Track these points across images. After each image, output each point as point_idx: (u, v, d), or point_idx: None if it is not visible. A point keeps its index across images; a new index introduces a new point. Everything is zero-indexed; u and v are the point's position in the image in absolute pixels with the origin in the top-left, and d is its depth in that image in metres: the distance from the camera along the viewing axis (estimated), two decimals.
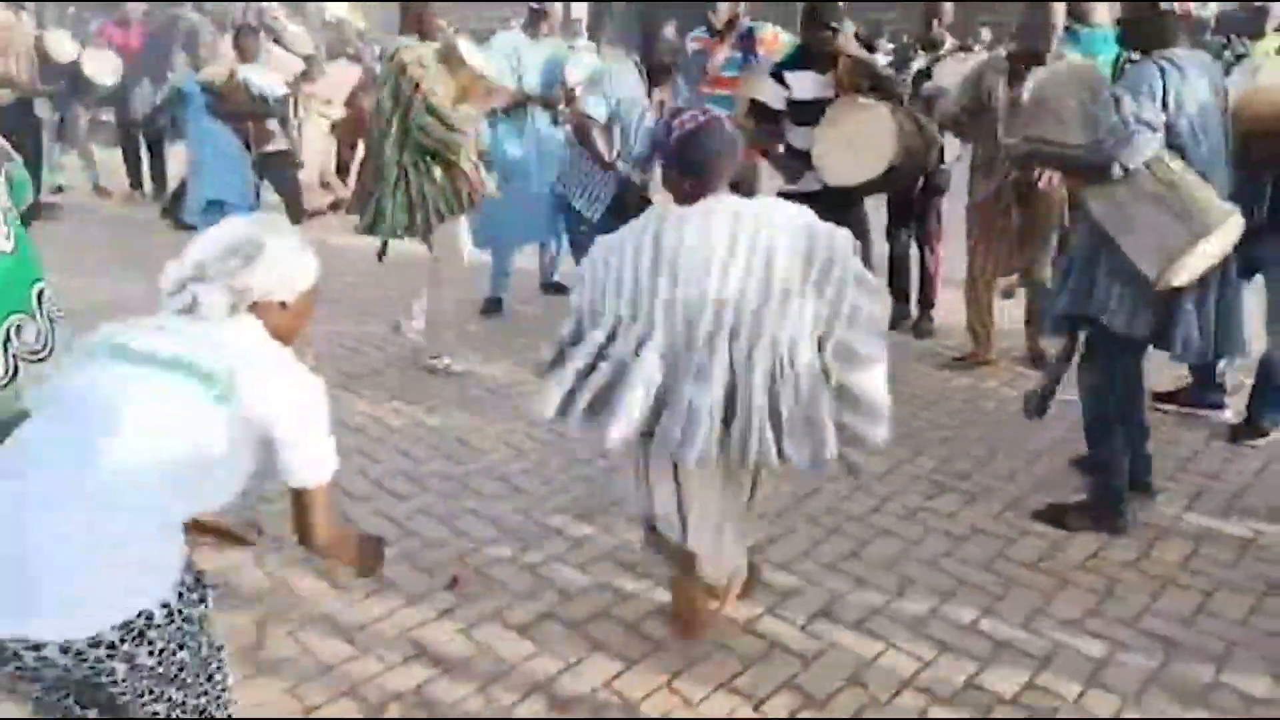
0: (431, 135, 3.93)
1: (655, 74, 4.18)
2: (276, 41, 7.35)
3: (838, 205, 3.53)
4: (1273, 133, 2.98)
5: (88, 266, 6.20)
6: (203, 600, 1.54)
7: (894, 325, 4.31)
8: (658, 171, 3.79)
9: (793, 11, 5.59)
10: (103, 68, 7.74)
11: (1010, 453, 3.55)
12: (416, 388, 4.20)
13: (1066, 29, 4.25)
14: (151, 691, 1.48)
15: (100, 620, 1.39)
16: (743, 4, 5.03)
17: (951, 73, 4.37)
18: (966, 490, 3.26)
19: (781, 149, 4.17)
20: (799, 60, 4.14)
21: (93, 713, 1.59)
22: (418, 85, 3.89)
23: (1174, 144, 2.61)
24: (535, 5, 5.25)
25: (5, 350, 1.93)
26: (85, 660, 1.39)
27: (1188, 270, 2.56)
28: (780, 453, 2.08)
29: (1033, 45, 3.92)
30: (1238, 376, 3.94)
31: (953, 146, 4.72)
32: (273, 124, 5.90)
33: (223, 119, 5.19)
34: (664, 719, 2.21)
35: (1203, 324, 2.71)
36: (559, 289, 5.50)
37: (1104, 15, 4.84)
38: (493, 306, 5.29)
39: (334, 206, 7.61)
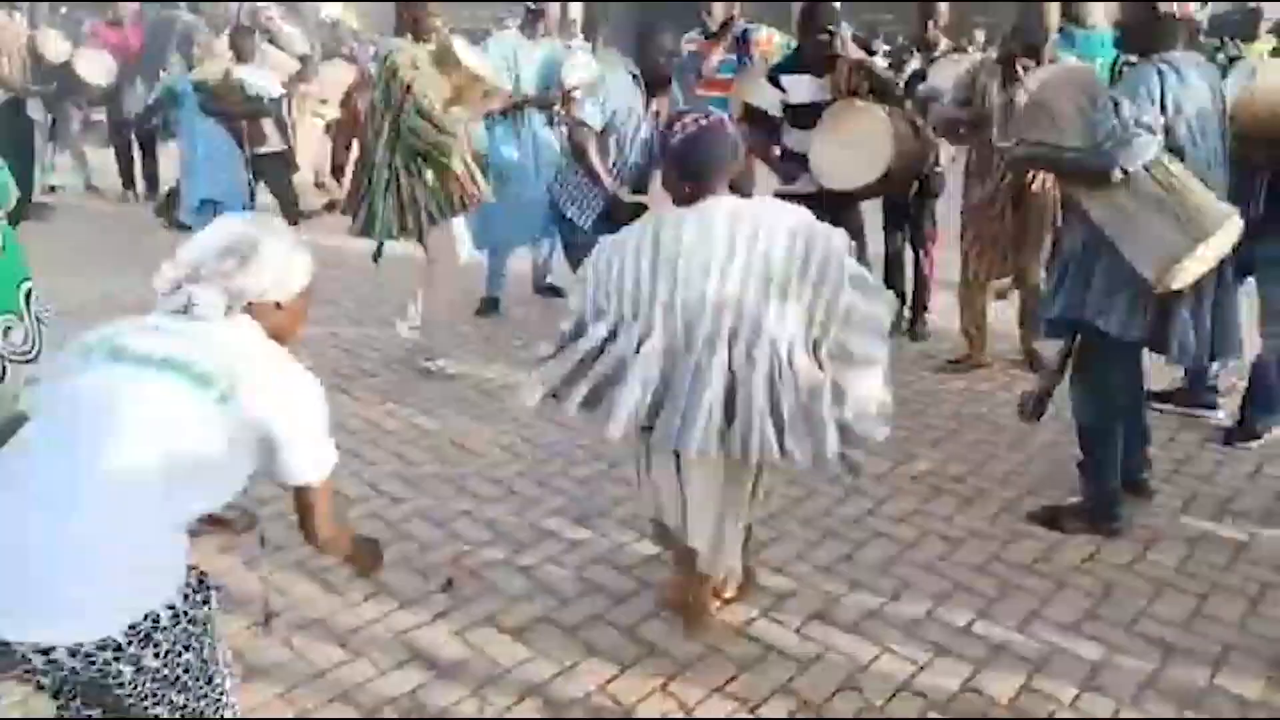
0: (422, 138, 3.91)
1: (653, 85, 4.11)
2: (271, 41, 7.33)
3: (834, 207, 3.53)
4: (1270, 136, 2.98)
5: (79, 267, 6.16)
6: (206, 602, 1.55)
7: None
8: (654, 181, 3.81)
9: (788, 13, 5.59)
10: (95, 68, 7.70)
11: (1005, 455, 3.55)
12: (411, 389, 4.19)
13: (1061, 30, 4.26)
14: (155, 695, 1.49)
15: (108, 623, 1.40)
16: (738, 5, 5.03)
17: (947, 74, 4.37)
18: (962, 493, 3.26)
19: (778, 151, 4.16)
20: (795, 63, 4.14)
21: (95, 712, 1.59)
22: (408, 87, 3.88)
23: (1173, 147, 2.61)
24: (533, 5, 5.24)
25: None
26: (94, 663, 1.40)
27: (1187, 274, 2.56)
28: (782, 448, 2.08)
29: (1027, 47, 3.92)
30: (1230, 379, 3.95)
31: (947, 149, 4.72)
32: (267, 124, 5.88)
33: (216, 118, 5.16)
34: None
35: (1198, 327, 2.71)
36: (553, 291, 5.49)
37: (1100, 17, 4.85)
38: (489, 306, 5.30)
39: (329, 207, 7.59)
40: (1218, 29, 5.50)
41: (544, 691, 2.28)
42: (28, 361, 1.96)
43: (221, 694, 1.60)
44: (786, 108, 4.12)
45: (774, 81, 4.14)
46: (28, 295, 2.03)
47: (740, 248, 2.07)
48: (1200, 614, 2.58)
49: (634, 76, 4.08)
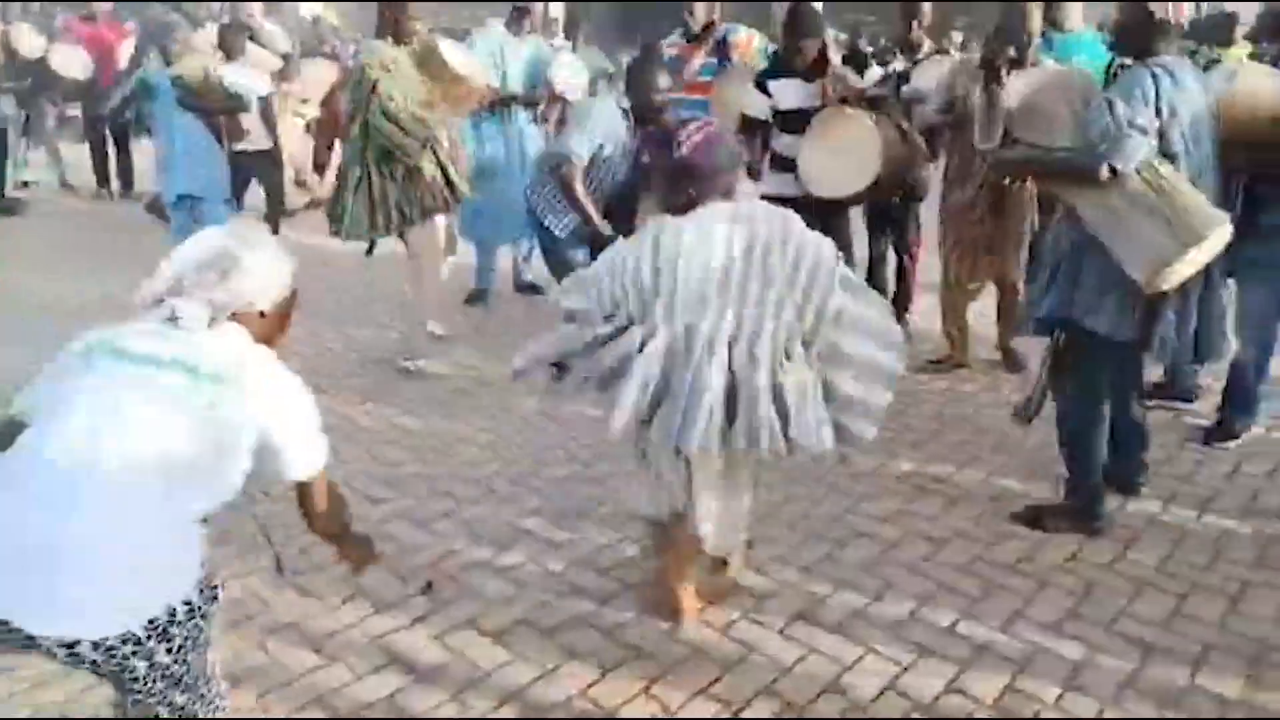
0: (388, 139, 3.90)
1: (642, 120, 3.96)
2: (253, 39, 7.26)
3: (823, 214, 3.52)
4: (1248, 139, 2.99)
5: (53, 265, 6.08)
6: (214, 598, 1.61)
7: None
8: (642, 201, 3.78)
9: (767, 14, 5.58)
10: (71, 62, 7.60)
11: (988, 456, 3.55)
12: (390, 389, 4.15)
13: (1042, 34, 4.27)
14: (161, 694, 1.54)
15: (131, 616, 1.46)
16: (719, 8, 5.02)
17: (930, 75, 4.38)
18: (945, 493, 3.26)
19: (768, 157, 4.17)
20: (781, 68, 4.13)
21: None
22: (374, 87, 3.85)
23: (1166, 150, 2.62)
24: (519, 3, 5.22)
25: None
26: (114, 656, 1.46)
27: (1176, 276, 2.57)
28: (786, 438, 2.15)
29: (1009, 50, 3.93)
30: (1207, 379, 3.98)
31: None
32: (249, 120, 5.82)
33: (194, 113, 5.09)
34: None
35: (1183, 328, 2.72)
36: (533, 289, 5.49)
37: (1078, 20, 4.88)
38: (478, 296, 5.38)
39: (311, 205, 7.52)
40: (1195, 33, 5.55)
41: (525, 695, 2.25)
42: None
43: (217, 696, 1.65)
44: (776, 113, 4.12)
45: (761, 87, 4.14)
46: None
47: (738, 252, 2.14)
48: (1180, 613, 2.58)
49: (624, 111, 4.05)
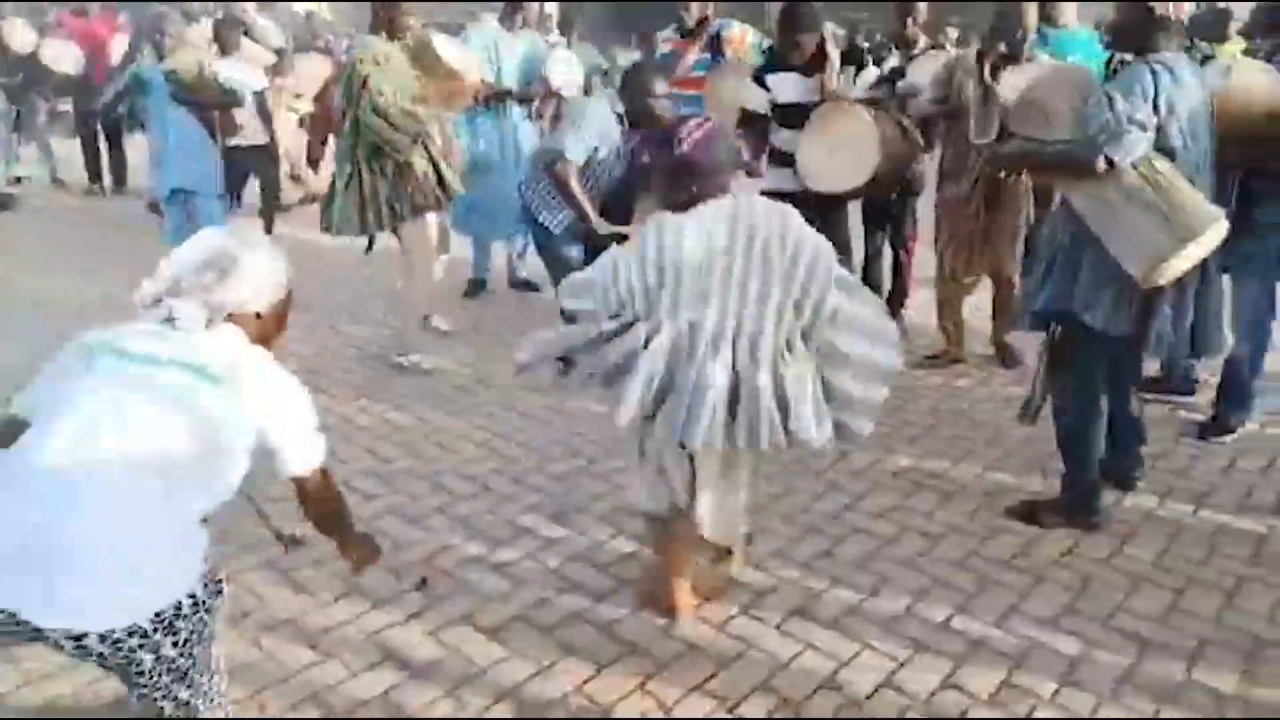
0: (377, 134, 3.88)
1: (637, 125, 3.89)
2: (246, 34, 7.23)
3: (822, 209, 3.52)
4: (1242, 135, 2.99)
5: (44, 262, 6.05)
6: (219, 593, 1.64)
7: None
8: (638, 201, 3.76)
9: (761, 11, 5.57)
10: (62, 56, 7.55)
11: (983, 451, 3.55)
12: (384, 385, 4.13)
13: (1036, 30, 4.27)
14: (166, 690, 1.57)
15: (138, 609, 1.48)
16: (712, 5, 5.01)
17: (925, 71, 4.37)
18: (941, 488, 3.26)
19: (766, 152, 4.16)
20: (779, 63, 4.11)
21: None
22: (365, 82, 3.84)
23: (1164, 146, 2.62)
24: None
25: None
26: (120, 649, 1.48)
27: (1173, 271, 2.57)
28: (786, 431, 2.17)
29: (1005, 45, 3.92)
30: (1204, 374, 3.98)
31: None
32: (240, 115, 5.80)
33: (187, 107, 5.07)
34: None
35: (1179, 323, 2.72)
36: (528, 286, 5.48)
37: (1072, 17, 4.89)
38: (476, 288, 5.43)
39: (307, 201, 7.49)
40: (1190, 30, 5.56)
41: (521, 692, 2.24)
42: None
43: (217, 692, 1.68)
44: (774, 107, 4.10)
45: (759, 82, 4.13)
46: None
47: (739, 248, 2.15)
48: (1177, 608, 2.58)
49: (619, 116, 4.04)
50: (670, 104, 3.83)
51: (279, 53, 7.68)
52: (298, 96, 7.75)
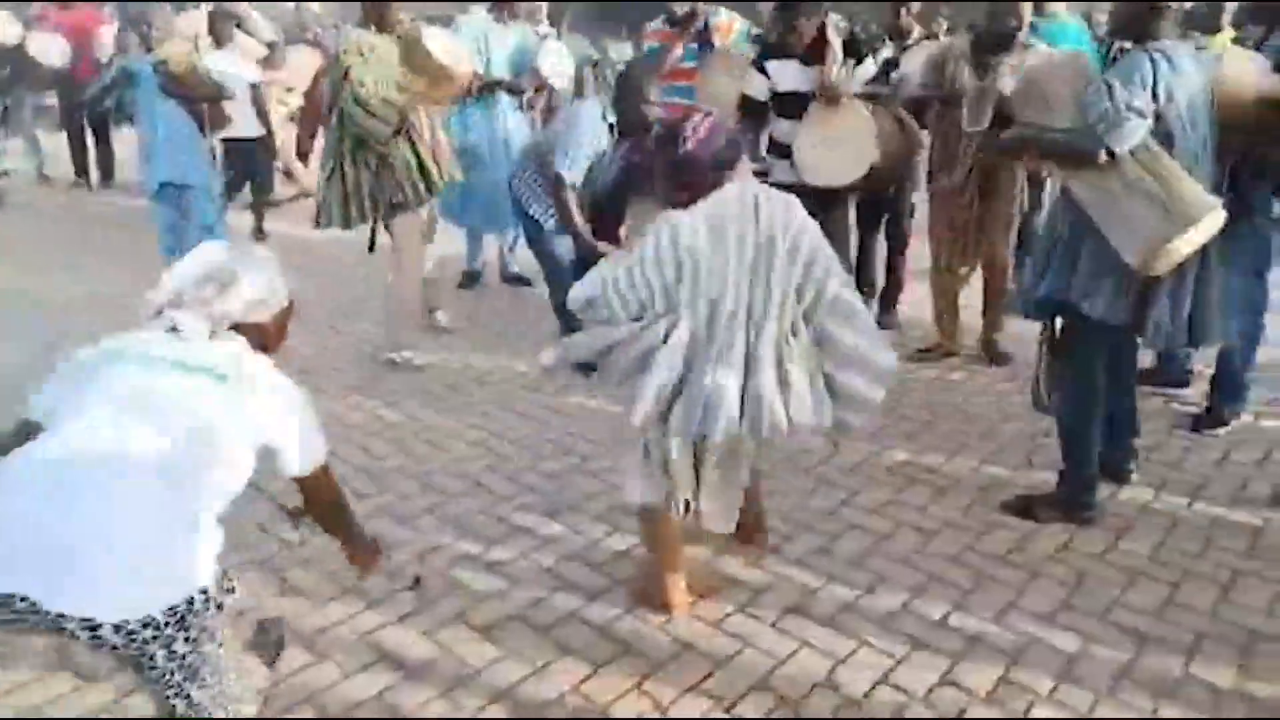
0: (359, 125, 3.84)
1: (628, 132, 3.89)
2: (239, 26, 7.17)
3: (821, 202, 3.50)
4: (1231, 124, 2.98)
5: (30, 258, 6.00)
6: (231, 591, 1.68)
7: None
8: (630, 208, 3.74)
9: (753, 8, 5.53)
10: (48, 49, 7.48)
11: (978, 445, 3.54)
12: (376, 382, 4.10)
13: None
14: (178, 687, 1.60)
15: (152, 601, 1.51)
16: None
17: (918, 62, 4.35)
18: (935, 483, 3.25)
19: (765, 141, 4.14)
20: (777, 50, 4.08)
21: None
22: (346, 73, 3.80)
23: (1163, 134, 2.62)
24: None
25: None
26: (134, 640, 1.51)
27: (1170, 259, 2.57)
28: (789, 420, 2.21)
29: (999, 33, 3.90)
30: (1198, 365, 3.98)
31: None
32: (230, 107, 5.73)
33: (176, 100, 5.01)
34: None
35: (1177, 312, 2.71)
36: (519, 280, 5.45)
37: (1061, 7, 4.91)
38: (470, 280, 5.45)
39: (299, 196, 7.44)
40: (1184, 22, 5.55)
41: (516, 692, 2.23)
42: None
43: (229, 698, 1.69)
44: (773, 96, 4.08)
45: (760, 69, 4.10)
46: None
47: (749, 237, 2.18)
48: (1173, 602, 2.58)
49: (610, 125, 4.00)
50: (664, 109, 3.82)
51: (270, 46, 7.62)
52: (289, 90, 7.68)
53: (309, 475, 1.81)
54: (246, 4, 7.95)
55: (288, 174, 7.85)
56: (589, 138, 3.95)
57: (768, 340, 2.19)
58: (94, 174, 8.25)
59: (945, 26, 9.30)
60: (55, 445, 1.56)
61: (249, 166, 6.64)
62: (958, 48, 4.07)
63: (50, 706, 2.16)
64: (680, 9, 4.93)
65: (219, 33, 6.17)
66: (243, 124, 6.14)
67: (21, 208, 7.49)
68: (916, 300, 4.75)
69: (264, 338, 1.79)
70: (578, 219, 3.90)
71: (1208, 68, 2.80)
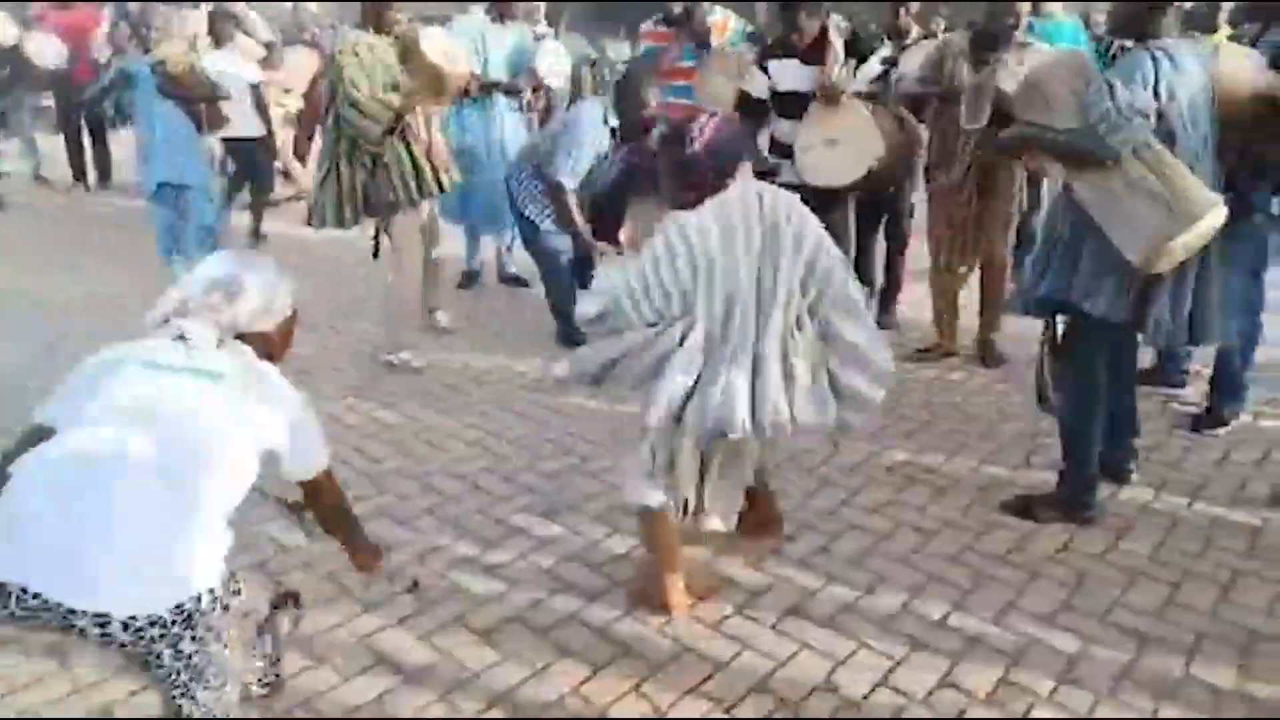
0: (352, 125, 3.84)
1: (628, 137, 3.91)
2: (237, 26, 7.15)
3: (822, 202, 3.49)
4: (1229, 121, 2.98)
5: (28, 259, 5.99)
6: (237, 593, 1.69)
7: None
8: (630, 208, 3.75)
9: (750, 8, 5.51)
10: (45, 50, 7.46)
11: (977, 444, 3.54)
12: (375, 382, 4.09)
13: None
14: (184, 688, 1.61)
15: (160, 599, 1.53)
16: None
17: (917, 61, 4.35)
18: (934, 483, 3.24)
19: (766, 142, 4.14)
20: (778, 48, 4.07)
21: None
22: (341, 73, 3.80)
23: (1164, 133, 2.61)
24: None
25: None
26: (142, 638, 1.53)
27: (1171, 258, 2.56)
28: (792, 418, 2.22)
29: (997, 30, 3.90)
30: (1196, 365, 3.98)
31: None
32: (227, 107, 5.73)
33: (174, 100, 5.00)
34: None
35: (1177, 310, 2.71)
36: (516, 281, 5.45)
37: (1057, 6, 4.91)
38: (469, 280, 5.46)
39: (297, 197, 7.43)
40: (1182, 21, 5.54)
41: (515, 695, 2.22)
42: None
43: (232, 696, 1.70)
44: (774, 96, 4.07)
45: (761, 68, 4.09)
46: None
47: (757, 235, 2.19)
48: (1173, 602, 2.57)
49: (612, 130, 3.98)
50: (664, 109, 3.82)
51: (268, 46, 7.60)
52: (286, 91, 7.67)
53: (312, 479, 1.85)
54: (244, 4, 7.93)
55: (286, 174, 7.84)
56: (590, 139, 3.94)
57: (774, 333, 2.20)
58: (91, 175, 8.23)
59: (943, 26, 9.31)
60: (63, 448, 1.59)
61: (249, 166, 6.63)
62: (956, 45, 4.07)
63: (50, 707, 2.16)
64: (676, 9, 4.93)
65: (219, 33, 6.16)
66: (243, 124, 6.13)
67: (20, 209, 7.48)
68: (916, 300, 4.74)
69: (269, 346, 1.83)
70: (578, 219, 3.90)
71: (1207, 65, 2.79)
